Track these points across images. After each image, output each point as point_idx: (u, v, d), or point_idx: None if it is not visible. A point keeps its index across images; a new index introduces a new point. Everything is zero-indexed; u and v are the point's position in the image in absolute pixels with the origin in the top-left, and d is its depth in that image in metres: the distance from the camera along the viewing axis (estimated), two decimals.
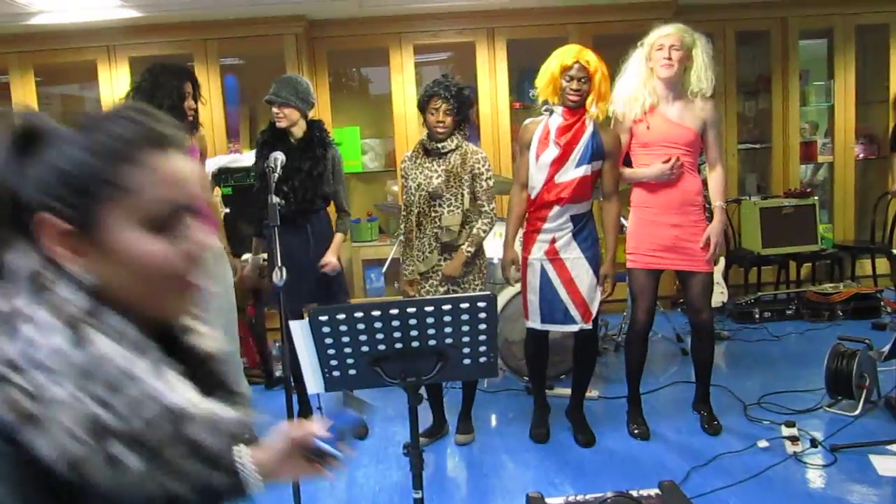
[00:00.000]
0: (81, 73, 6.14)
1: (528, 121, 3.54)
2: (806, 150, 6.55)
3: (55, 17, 5.17)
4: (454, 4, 5.63)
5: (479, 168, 3.57)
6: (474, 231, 3.58)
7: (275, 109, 3.65)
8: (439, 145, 3.54)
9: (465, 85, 3.63)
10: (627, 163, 3.62)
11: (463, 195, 3.55)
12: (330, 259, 3.79)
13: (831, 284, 5.77)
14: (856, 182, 6.52)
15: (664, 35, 3.42)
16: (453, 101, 3.46)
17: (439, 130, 3.49)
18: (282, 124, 3.65)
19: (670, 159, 3.43)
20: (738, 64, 6.37)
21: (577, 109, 3.34)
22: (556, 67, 3.31)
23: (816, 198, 5.94)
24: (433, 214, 3.57)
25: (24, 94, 5.68)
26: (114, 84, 5.67)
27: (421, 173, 3.57)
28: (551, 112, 3.42)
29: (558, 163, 3.36)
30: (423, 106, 3.53)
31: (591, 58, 3.30)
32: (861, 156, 6.59)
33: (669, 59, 3.38)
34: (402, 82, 5.87)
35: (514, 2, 5.64)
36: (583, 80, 3.28)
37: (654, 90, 3.48)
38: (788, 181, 6.37)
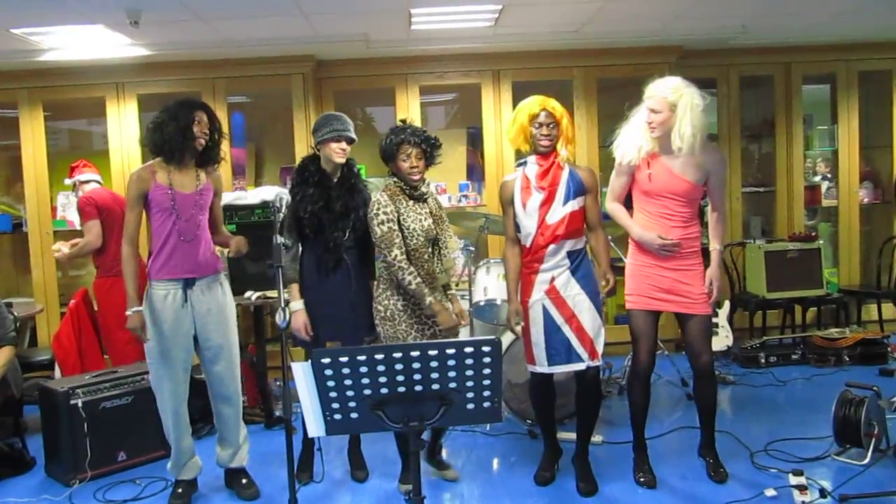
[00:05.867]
0: (90, 109, 6.20)
1: (505, 178, 3.65)
2: (810, 194, 6.57)
3: (65, 53, 5.22)
4: (460, 46, 5.68)
5: (442, 208, 3.70)
6: (450, 271, 3.71)
7: (341, 146, 3.55)
8: (423, 190, 3.57)
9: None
10: (628, 202, 3.64)
11: (451, 236, 3.63)
12: None
13: (837, 329, 5.72)
14: (860, 226, 6.53)
15: (648, 97, 3.44)
16: (424, 146, 3.48)
17: (415, 177, 3.48)
18: (340, 160, 3.58)
19: (668, 240, 3.45)
20: (742, 108, 6.42)
21: (548, 154, 3.46)
22: (524, 117, 3.44)
23: (821, 241, 5.91)
24: (428, 258, 3.55)
25: (33, 129, 5.72)
26: (122, 120, 5.72)
27: (417, 217, 3.52)
28: (525, 163, 3.55)
29: (546, 204, 3.44)
30: (391, 153, 3.49)
31: (556, 105, 3.46)
32: (865, 200, 6.60)
33: (651, 122, 3.42)
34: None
35: (520, 45, 5.69)
36: (551, 126, 3.42)
37: (654, 141, 3.49)
38: (793, 225, 6.38)
